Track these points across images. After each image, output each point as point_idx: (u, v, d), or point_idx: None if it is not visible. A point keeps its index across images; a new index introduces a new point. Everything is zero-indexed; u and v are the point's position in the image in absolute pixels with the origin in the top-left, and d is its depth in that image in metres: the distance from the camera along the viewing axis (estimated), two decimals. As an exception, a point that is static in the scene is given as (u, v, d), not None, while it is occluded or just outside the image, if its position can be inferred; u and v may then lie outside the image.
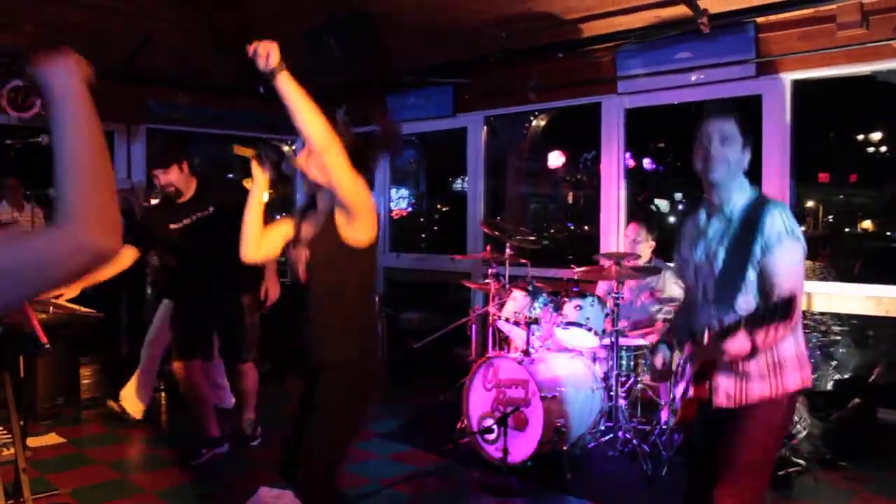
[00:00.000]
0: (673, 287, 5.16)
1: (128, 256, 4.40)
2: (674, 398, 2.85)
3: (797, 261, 2.55)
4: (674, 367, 2.88)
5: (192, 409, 4.76)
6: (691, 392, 2.63)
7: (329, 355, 2.80)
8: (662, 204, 12.02)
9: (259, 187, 2.90)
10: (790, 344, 2.58)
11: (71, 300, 4.11)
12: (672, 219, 11.93)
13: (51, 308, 3.82)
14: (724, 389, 2.60)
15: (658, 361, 2.90)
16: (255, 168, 2.89)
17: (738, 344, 2.36)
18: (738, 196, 2.66)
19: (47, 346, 3.09)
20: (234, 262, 4.25)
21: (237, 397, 5.19)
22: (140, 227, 4.79)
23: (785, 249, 2.51)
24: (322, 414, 2.76)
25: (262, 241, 2.96)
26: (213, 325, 4.77)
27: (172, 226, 4.58)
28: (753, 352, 2.39)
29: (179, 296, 4.88)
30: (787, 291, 2.38)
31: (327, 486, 2.80)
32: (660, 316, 5.10)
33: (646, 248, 5.26)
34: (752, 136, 2.73)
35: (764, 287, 2.55)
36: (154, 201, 5.34)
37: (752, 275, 2.56)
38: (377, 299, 2.97)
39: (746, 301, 2.56)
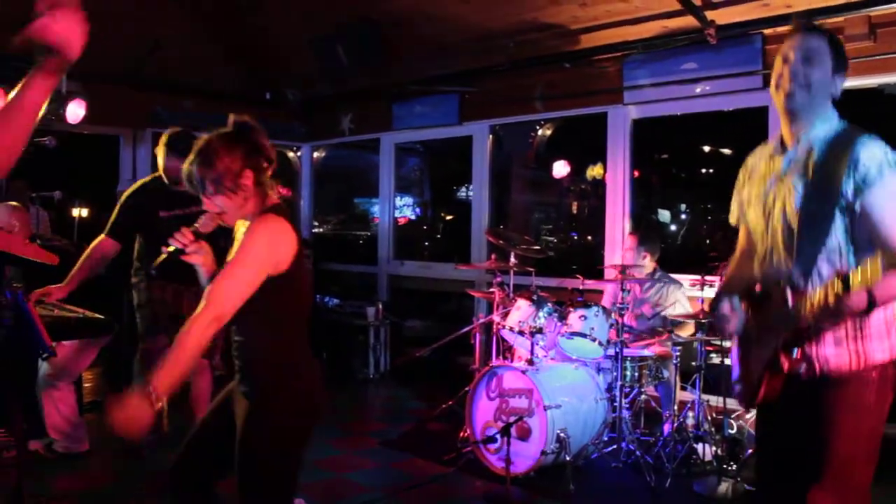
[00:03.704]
0: (681, 303, 5.13)
1: (104, 248, 4.17)
2: (736, 372, 2.39)
3: None
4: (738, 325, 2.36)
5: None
6: (784, 365, 2.17)
7: (253, 386, 2.46)
8: (664, 214, 11.98)
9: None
10: None
11: (70, 301, 4.09)
12: (673, 227, 11.88)
13: (55, 311, 3.82)
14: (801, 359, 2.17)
15: (726, 309, 2.34)
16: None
17: (858, 299, 1.93)
18: (821, 126, 2.19)
19: (53, 348, 3.09)
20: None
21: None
22: (125, 212, 4.35)
23: (888, 185, 2.03)
24: (248, 464, 2.42)
25: None
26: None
27: (162, 213, 4.26)
28: (870, 308, 1.97)
29: (151, 294, 4.36)
30: None
31: None
32: (660, 327, 5.09)
33: (640, 260, 5.21)
34: (847, 61, 2.24)
35: (856, 234, 2.09)
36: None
37: (838, 218, 2.09)
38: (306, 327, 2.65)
39: (833, 250, 2.11)
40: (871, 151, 2.06)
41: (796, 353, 2.16)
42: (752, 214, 2.36)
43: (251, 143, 2.46)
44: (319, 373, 2.59)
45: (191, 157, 2.41)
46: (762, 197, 2.30)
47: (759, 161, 2.41)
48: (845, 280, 1.89)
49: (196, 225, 2.52)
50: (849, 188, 2.06)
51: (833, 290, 1.93)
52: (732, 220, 2.54)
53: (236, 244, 2.52)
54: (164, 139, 4.33)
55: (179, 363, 2.18)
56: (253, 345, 2.47)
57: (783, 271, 2.19)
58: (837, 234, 2.11)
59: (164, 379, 2.14)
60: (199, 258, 2.57)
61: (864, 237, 2.09)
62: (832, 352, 2.14)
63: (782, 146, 2.28)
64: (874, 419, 2.17)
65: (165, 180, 4.35)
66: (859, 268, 1.86)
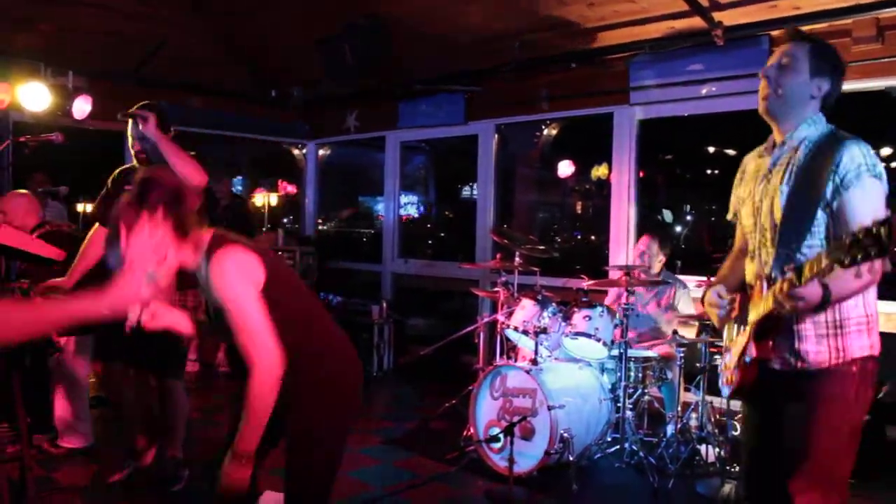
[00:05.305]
0: (687, 304, 5.14)
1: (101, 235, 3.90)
2: (725, 365, 2.48)
3: (879, 202, 2.14)
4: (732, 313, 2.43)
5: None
6: (753, 351, 2.26)
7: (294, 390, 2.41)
8: (668, 215, 11.96)
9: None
10: (856, 300, 2.20)
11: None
12: (678, 228, 11.86)
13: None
14: (778, 351, 2.25)
15: (712, 299, 2.44)
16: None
17: (811, 291, 1.98)
18: (805, 129, 2.29)
19: (59, 344, 3.10)
20: None
21: (161, 424, 4.22)
22: (103, 197, 4.13)
23: (864, 188, 2.12)
24: (296, 459, 2.51)
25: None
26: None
27: (128, 188, 4.10)
28: (825, 302, 2.02)
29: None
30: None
31: None
32: (668, 328, 5.08)
33: (655, 262, 5.25)
34: (838, 66, 2.33)
35: (836, 234, 2.15)
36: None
37: (820, 217, 2.18)
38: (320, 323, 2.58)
39: (812, 247, 2.18)
40: (852, 154, 2.15)
41: (770, 343, 2.25)
42: (744, 212, 2.47)
43: (151, 202, 2.27)
44: (350, 367, 2.58)
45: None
46: (752, 195, 2.41)
47: (751, 160, 2.52)
48: (798, 271, 1.94)
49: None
50: (829, 189, 2.16)
51: (788, 281, 1.99)
52: (729, 216, 2.63)
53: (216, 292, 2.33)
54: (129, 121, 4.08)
55: (257, 424, 2.23)
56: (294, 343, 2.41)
57: (765, 265, 2.29)
58: (818, 232, 2.20)
59: (250, 440, 2.23)
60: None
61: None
62: (813, 348, 2.22)
63: (773, 147, 2.39)
64: (855, 412, 2.24)
65: (135, 160, 4.11)
66: (811, 260, 1.90)
